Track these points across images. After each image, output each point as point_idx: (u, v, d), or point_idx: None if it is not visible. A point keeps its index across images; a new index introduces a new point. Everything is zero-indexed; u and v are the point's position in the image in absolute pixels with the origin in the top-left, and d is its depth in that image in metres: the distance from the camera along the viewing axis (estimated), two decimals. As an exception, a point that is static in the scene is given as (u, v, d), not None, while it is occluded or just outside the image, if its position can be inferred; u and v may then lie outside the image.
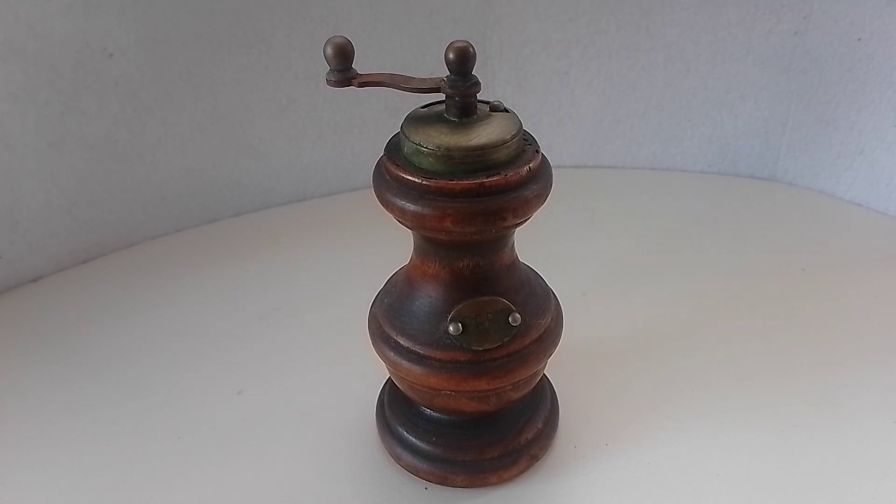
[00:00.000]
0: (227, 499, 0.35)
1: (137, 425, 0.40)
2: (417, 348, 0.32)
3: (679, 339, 0.45)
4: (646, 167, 0.66)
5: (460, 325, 0.31)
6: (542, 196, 0.30)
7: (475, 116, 0.29)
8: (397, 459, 0.36)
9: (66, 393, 0.42)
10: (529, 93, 0.63)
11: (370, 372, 0.39)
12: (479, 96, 0.29)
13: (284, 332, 0.47)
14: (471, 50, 0.27)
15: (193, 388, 0.42)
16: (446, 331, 0.31)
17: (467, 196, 0.28)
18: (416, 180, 0.28)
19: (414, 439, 0.36)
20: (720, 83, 0.61)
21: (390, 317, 0.33)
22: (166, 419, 0.40)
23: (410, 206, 0.28)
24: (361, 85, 0.29)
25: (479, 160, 0.28)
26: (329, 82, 0.29)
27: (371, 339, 0.34)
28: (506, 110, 0.31)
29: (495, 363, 0.32)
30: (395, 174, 0.29)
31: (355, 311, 0.37)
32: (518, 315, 0.32)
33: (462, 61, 0.27)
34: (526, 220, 0.30)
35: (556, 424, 0.38)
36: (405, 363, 0.32)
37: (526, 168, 0.29)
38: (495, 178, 0.28)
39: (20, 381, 0.43)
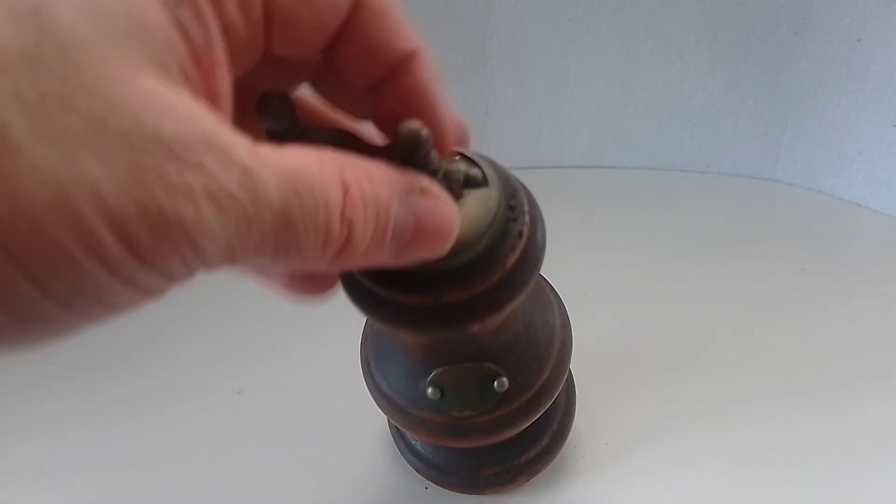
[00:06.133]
0: (227, 498, 0.35)
1: (137, 425, 0.40)
2: (398, 400, 0.30)
3: (679, 338, 0.45)
4: (646, 167, 0.66)
5: (439, 390, 0.28)
6: (520, 293, 0.24)
7: None
8: (403, 454, 0.36)
9: (66, 392, 0.42)
10: (529, 93, 0.63)
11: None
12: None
13: (284, 332, 0.47)
14: (423, 134, 0.20)
15: (193, 388, 0.42)
16: (425, 391, 0.29)
17: (423, 310, 0.23)
18: (365, 284, 0.24)
19: (414, 442, 0.36)
20: (720, 83, 0.61)
21: (375, 356, 0.31)
22: (166, 419, 0.40)
23: (362, 309, 0.25)
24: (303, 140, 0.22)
25: (438, 262, 0.22)
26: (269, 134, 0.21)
27: (361, 364, 0.33)
28: (484, 180, 0.24)
29: (477, 427, 0.29)
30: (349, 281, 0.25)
31: (356, 310, 0.36)
32: (505, 380, 0.28)
33: (413, 148, 0.21)
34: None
35: (565, 437, 0.36)
36: (388, 408, 0.31)
37: (498, 273, 0.23)
38: (456, 292, 0.23)
39: (20, 380, 0.43)
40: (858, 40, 0.54)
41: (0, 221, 0.13)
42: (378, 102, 0.22)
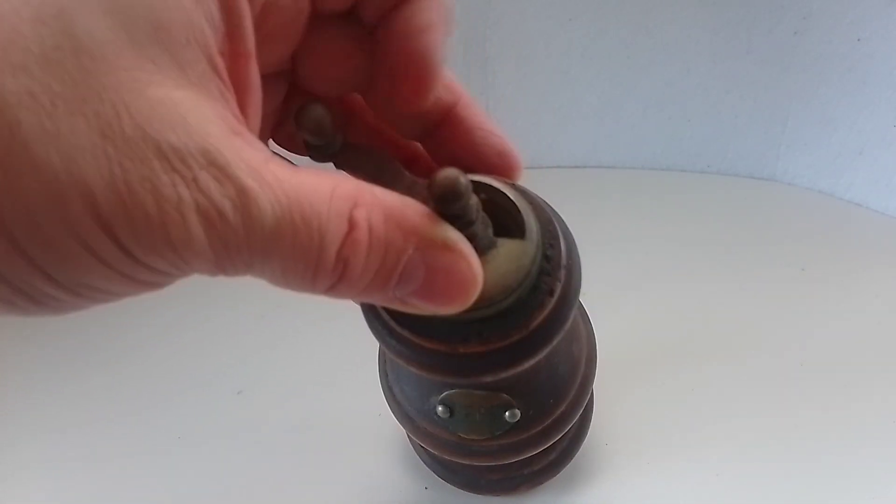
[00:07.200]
0: (226, 498, 0.35)
1: (137, 425, 0.40)
2: (408, 408, 0.30)
3: (679, 338, 0.45)
4: (646, 167, 0.66)
5: (449, 409, 0.27)
6: (542, 351, 0.22)
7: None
8: (410, 440, 0.36)
9: (66, 392, 0.42)
10: (530, 93, 0.63)
11: (370, 370, 0.39)
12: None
13: (284, 331, 0.47)
14: (460, 186, 0.18)
15: (193, 388, 0.42)
16: (435, 407, 0.28)
17: (437, 356, 0.22)
18: (383, 316, 0.23)
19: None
20: (720, 83, 0.61)
21: (391, 363, 0.31)
22: (166, 419, 0.40)
23: (378, 338, 0.24)
24: (340, 166, 0.22)
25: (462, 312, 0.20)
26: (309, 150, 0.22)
27: (378, 361, 0.32)
28: (521, 231, 0.21)
29: (483, 449, 0.29)
30: (367, 306, 0.24)
31: (357, 309, 0.36)
32: (517, 411, 0.27)
33: (450, 200, 0.19)
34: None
35: (573, 455, 0.35)
36: (398, 412, 0.30)
37: (519, 333, 0.22)
38: (473, 345, 0.21)
39: (20, 380, 0.43)
40: (858, 40, 0.54)
41: (3, 209, 0.14)
42: (429, 131, 0.22)
